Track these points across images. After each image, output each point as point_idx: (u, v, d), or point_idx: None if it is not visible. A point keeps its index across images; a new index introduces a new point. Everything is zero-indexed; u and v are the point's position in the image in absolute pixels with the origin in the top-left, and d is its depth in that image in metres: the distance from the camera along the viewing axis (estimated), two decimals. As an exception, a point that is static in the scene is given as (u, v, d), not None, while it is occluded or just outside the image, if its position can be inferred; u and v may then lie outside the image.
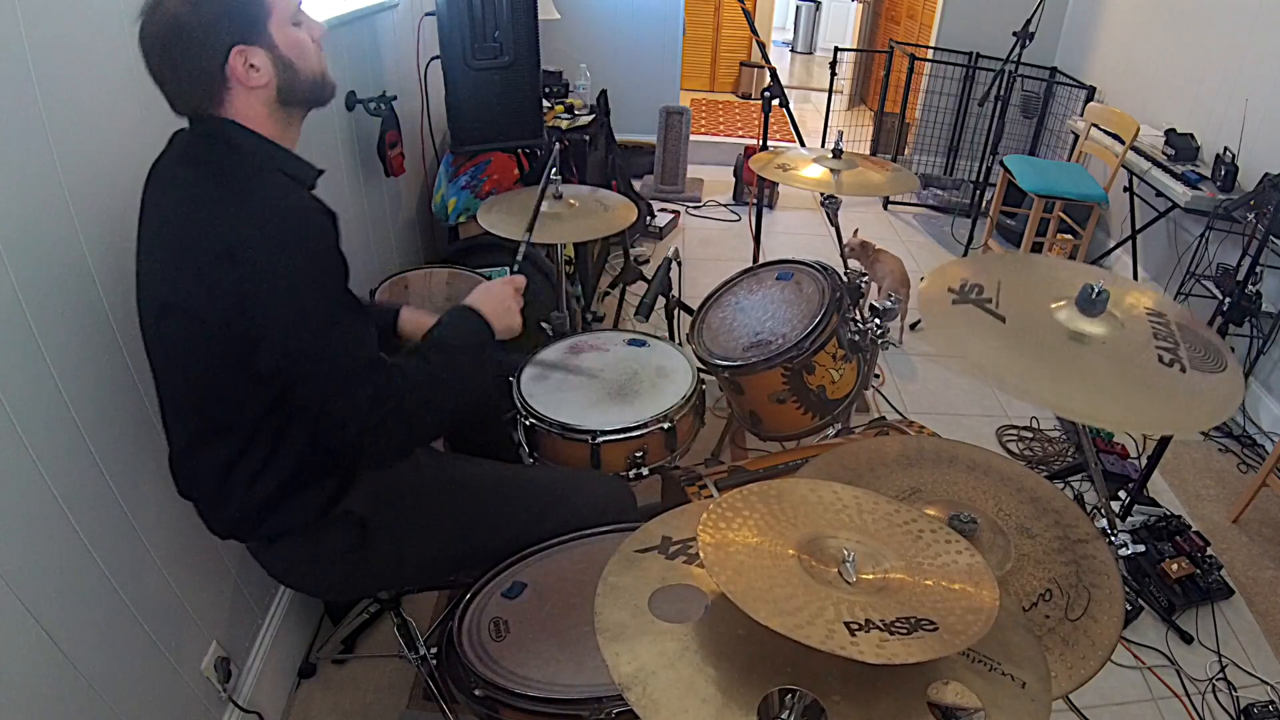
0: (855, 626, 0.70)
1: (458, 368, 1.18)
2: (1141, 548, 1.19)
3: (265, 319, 1.00)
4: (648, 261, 3.68)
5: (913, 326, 3.25)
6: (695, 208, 4.40)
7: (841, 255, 2.37)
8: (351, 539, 1.22)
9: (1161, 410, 0.99)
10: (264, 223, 0.98)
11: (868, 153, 4.53)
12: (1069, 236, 3.46)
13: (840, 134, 2.10)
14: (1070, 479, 2.39)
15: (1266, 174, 2.55)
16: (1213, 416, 0.98)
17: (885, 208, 4.59)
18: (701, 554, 0.77)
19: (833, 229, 2.17)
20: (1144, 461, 2.23)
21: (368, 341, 1.07)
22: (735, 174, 4.51)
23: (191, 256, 0.99)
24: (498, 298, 1.30)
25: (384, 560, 1.27)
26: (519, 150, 2.74)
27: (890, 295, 2.78)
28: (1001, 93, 3.82)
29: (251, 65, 1.01)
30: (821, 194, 2.02)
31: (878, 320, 1.75)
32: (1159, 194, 2.97)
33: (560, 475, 1.53)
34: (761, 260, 2.15)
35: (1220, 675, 1.87)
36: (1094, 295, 1.07)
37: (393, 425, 1.07)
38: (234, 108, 1.03)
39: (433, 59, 2.54)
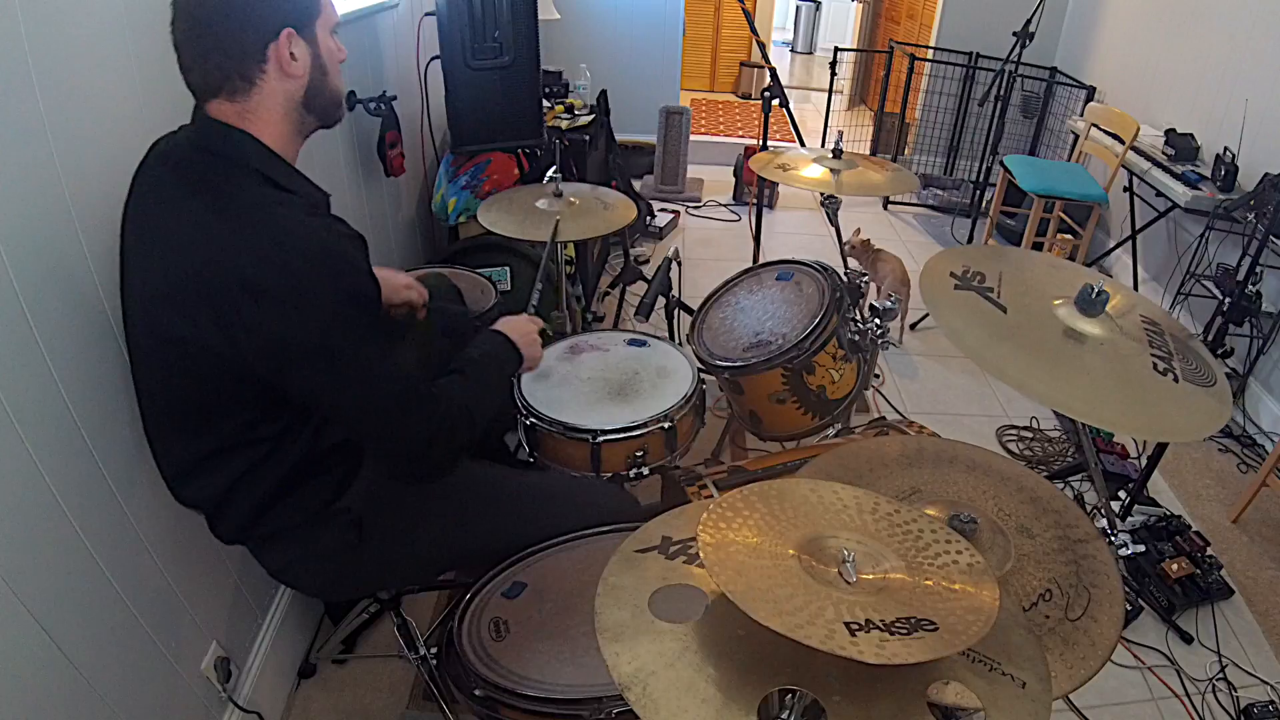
0: (855, 627, 0.70)
1: (489, 384, 1.25)
2: (1141, 548, 1.20)
3: (302, 362, 0.99)
4: (648, 261, 3.68)
5: (913, 326, 3.25)
6: (695, 208, 4.40)
7: (842, 255, 2.37)
8: (347, 537, 1.22)
9: (1153, 416, 0.99)
10: (292, 262, 0.94)
11: (868, 153, 4.53)
12: (1069, 236, 3.46)
13: (840, 134, 2.10)
14: (1070, 479, 2.39)
15: (1266, 174, 2.55)
16: (1201, 429, 0.99)
17: (885, 208, 4.60)
18: (701, 554, 0.77)
19: (833, 229, 2.17)
20: (1144, 461, 2.23)
21: (406, 364, 1.08)
22: (735, 174, 4.51)
23: (208, 296, 0.95)
24: (525, 329, 1.37)
25: (379, 559, 1.27)
26: (519, 150, 2.74)
27: (890, 295, 2.79)
28: (1001, 93, 3.82)
29: (293, 54, 1.00)
30: (821, 194, 2.02)
31: (878, 320, 1.75)
32: (1159, 194, 2.97)
33: (561, 480, 1.54)
34: (761, 260, 2.15)
35: (1220, 675, 1.87)
36: (1094, 295, 1.07)
37: (445, 440, 1.10)
38: (257, 99, 1.00)
39: (433, 59, 2.54)
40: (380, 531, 1.25)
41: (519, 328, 1.36)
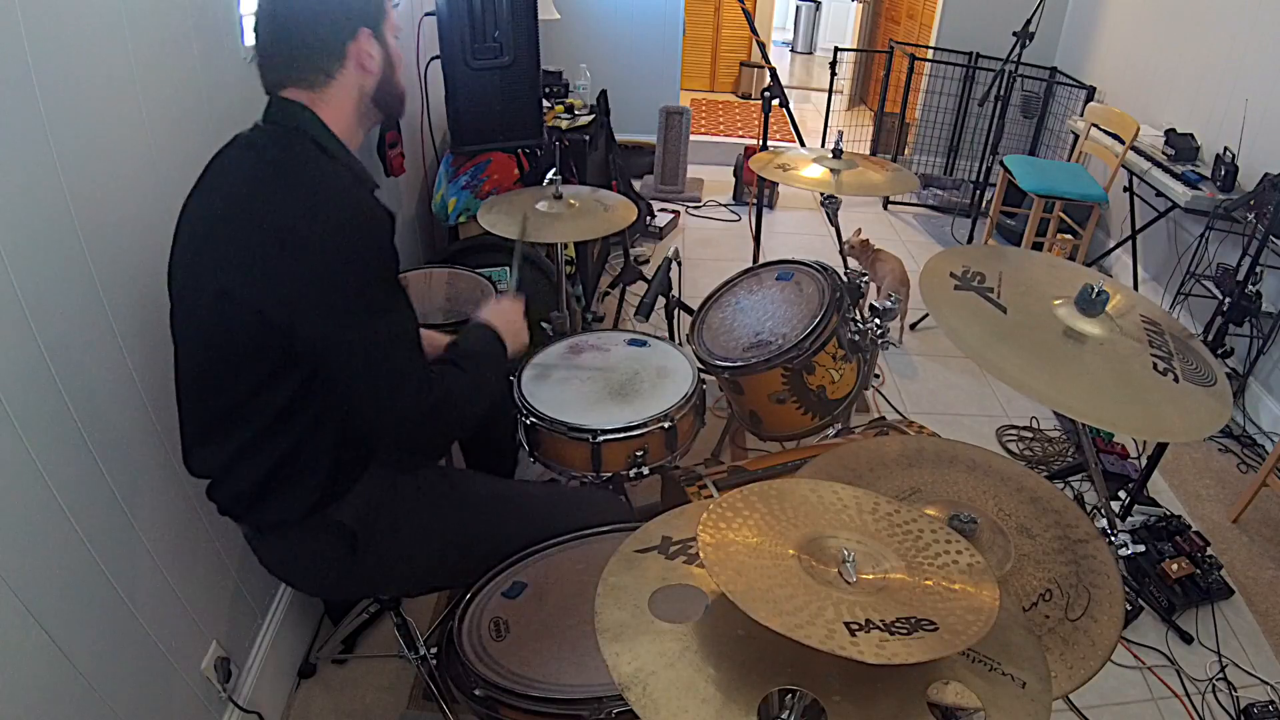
0: (855, 626, 0.70)
1: (484, 375, 1.24)
2: (1141, 548, 1.20)
3: (316, 309, 1.01)
4: (648, 261, 3.68)
5: (913, 326, 3.25)
6: (695, 208, 4.40)
7: (841, 254, 2.37)
8: (340, 547, 1.22)
9: (1153, 416, 0.99)
10: (326, 215, 1.00)
11: (868, 153, 4.52)
12: (1069, 236, 3.46)
13: (840, 134, 2.10)
14: (1070, 479, 2.39)
15: (1266, 174, 2.55)
16: (1201, 429, 0.99)
17: (885, 208, 4.60)
18: (701, 554, 0.77)
19: (833, 229, 2.17)
20: (1144, 461, 2.23)
21: (416, 339, 1.10)
22: (735, 174, 4.51)
23: (247, 242, 1.00)
24: (509, 317, 1.36)
25: (373, 568, 1.27)
26: (519, 150, 2.74)
27: (890, 295, 2.78)
28: (1001, 93, 3.82)
29: (370, 52, 1.08)
30: (821, 194, 2.02)
31: (878, 320, 1.75)
32: (1159, 194, 2.97)
33: (555, 492, 1.54)
34: (761, 260, 2.15)
35: (1220, 675, 1.87)
36: (1094, 295, 1.07)
37: (434, 423, 1.11)
38: (333, 91, 1.07)
39: (433, 59, 2.54)
40: (375, 546, 1.24)
41: (503, 316, 1.35)
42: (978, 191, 4.12)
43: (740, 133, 5.53)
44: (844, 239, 2.33)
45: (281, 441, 1.12)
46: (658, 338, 1.86)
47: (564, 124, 3.08)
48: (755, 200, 3.04)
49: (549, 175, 1.88)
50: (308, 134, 1.06)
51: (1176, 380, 1.03)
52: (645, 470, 1.58)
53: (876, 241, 3.04)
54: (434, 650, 1.41)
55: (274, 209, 1.00)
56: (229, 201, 1.04)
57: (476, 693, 1.09)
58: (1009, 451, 2.62)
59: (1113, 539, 1.13)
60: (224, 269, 1.02)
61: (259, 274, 1.00)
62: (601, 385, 1.68)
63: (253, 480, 1.14)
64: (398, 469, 1.29)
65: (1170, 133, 3.11)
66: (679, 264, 2.03)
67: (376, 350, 1.04)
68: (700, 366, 1.77)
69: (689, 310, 2.04)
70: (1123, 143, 3.10)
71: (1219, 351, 2.68)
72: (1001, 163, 3.49)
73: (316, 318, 1.02)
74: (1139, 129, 3.05)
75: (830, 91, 4.81)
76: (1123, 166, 3.13)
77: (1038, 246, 3.47)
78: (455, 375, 1.17)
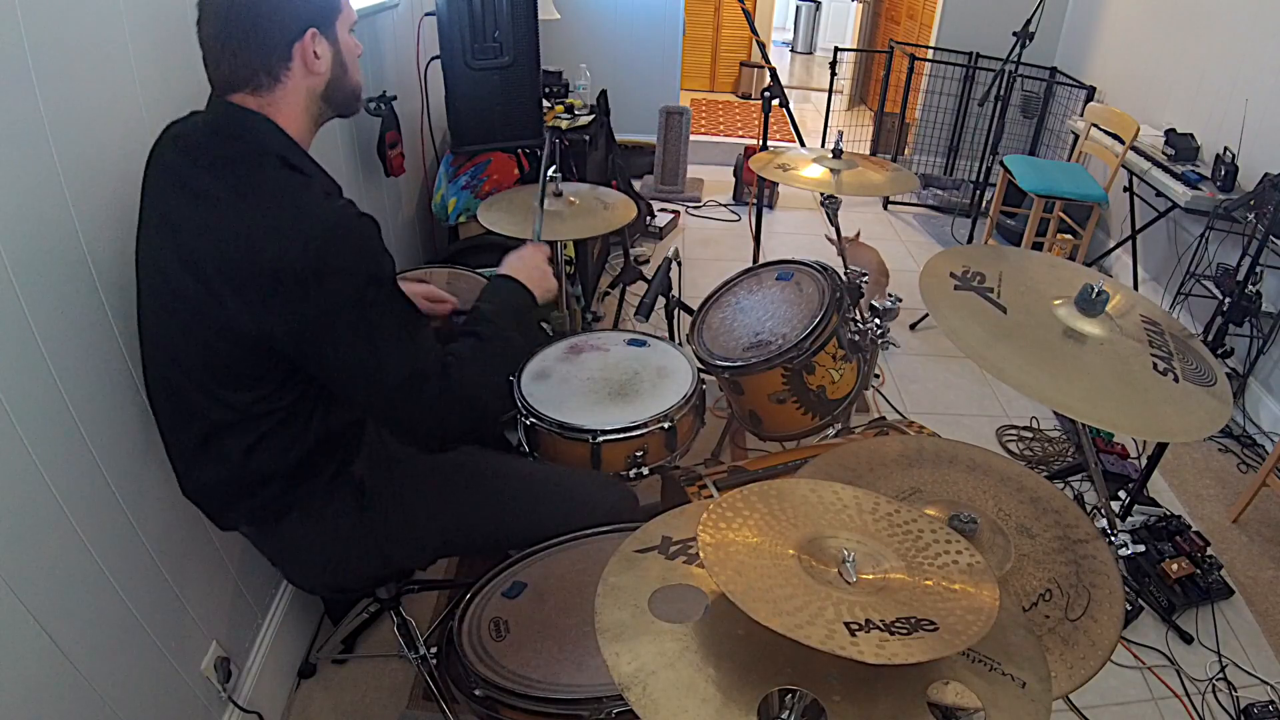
0: (855, 626, 0.70)
1: (507, 338, 1.23)
2: (1141, 548, 1.20)
3: (322, 339, 1.01)
4: (648, 261, 3.68)
5: (913, 326, 3.25)
6: (695, 208, 4.39)
7: (840, 252, 2.36)
8: (352, 511, 1.22)
9: (1153, 416, 0.99)
10: (319, 245, 0.97)
11: (868, 153, 4.53)
12: (1069, 236, 3.46)
13: (840, 134, 2.10)
14: (1070, 479, 2.38)
15: (1266, 174, 2.55)
16: (1201, 429, 0.99)
17: (885, 208, 4.60)
18: (701, 554, 0.77)
19: (833, 229, 2.17)
20: (1144, 461, 2.23)
21: (425, 339, 1.09)
22: (735, 174, 4.51)
23: (233, 277, 0.98)
24: (532, 263, 1.36)
25: (383, 537, 1.27)
26: (519, 150, 2.74)
27: (891, 296, 2.78)
28: (1001, 93, 3.82)
29: (316, 52, 1.04)
30: (821, 194, 2.02)
31: (878, 320, 1.75)
32: (1159, 194, 2.97)
33: (565, 473, 1.54)
34: (761, 260, 2.15)
35: (1220, 675, 1.87)
36: (1094, 295, 1.07)
37: (460, 412, 1.12)
38: (280, 92, 1.03)
39: (433, 59, 2.54)
40: (383, 502, 1.25)
41: (526, 264, 1.35)
42: (978, 191, 4.12)
43: (740, 133, 5.53)
44: (843, 237, 2.33)
45: (291, 442, 1.12)
46: (658, 338, 1.85)
47: (564, 124, 3.08)
48: (755, 200, 3.04)
49: (549, 172, 1.88)
50: (273, 152, 1.02)
51: (1176, 380, 1.03)
52: (645, 470, 1.58)
53: (875, 241, 3.04)
54: (434, 650, 1.41)
55: (262, 242, 0.96)
56: (207, 231, 0.99)
57: (476, 693, 1.09)
58: (1009, 451, 2.62)
59: (1113, 539, 1.13)
60: (216, 300, 0.99)
61: (257, 307, 0.98)
62: (601, 385, 1.68)
63: (276, 478, 1.14)
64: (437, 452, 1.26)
65: (1170, 133, 3.11)
66: (679, 264, 2.03)
67: (389, 361, 1.04)
68: (700, 366, 1.77)
69: (689, 310, 2.04)
70: (1123, 143, 3.10)
71: (1219, 351, 2.68)
72: (1001, 163, 3.48)
73: (326, 344, 1.02)
74: (1139, 129, 3.04)
75: (830, 91, 4.81)
76: (1123, 166, 3.12)
77: (1038, 246, 3.47)
78: (475, 349, 1.16)
